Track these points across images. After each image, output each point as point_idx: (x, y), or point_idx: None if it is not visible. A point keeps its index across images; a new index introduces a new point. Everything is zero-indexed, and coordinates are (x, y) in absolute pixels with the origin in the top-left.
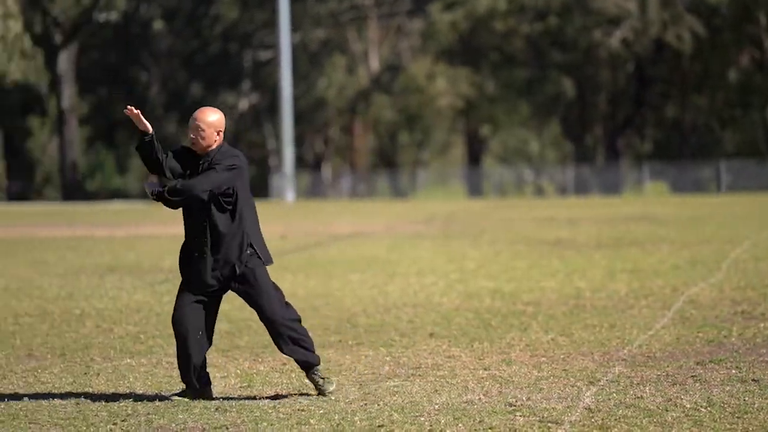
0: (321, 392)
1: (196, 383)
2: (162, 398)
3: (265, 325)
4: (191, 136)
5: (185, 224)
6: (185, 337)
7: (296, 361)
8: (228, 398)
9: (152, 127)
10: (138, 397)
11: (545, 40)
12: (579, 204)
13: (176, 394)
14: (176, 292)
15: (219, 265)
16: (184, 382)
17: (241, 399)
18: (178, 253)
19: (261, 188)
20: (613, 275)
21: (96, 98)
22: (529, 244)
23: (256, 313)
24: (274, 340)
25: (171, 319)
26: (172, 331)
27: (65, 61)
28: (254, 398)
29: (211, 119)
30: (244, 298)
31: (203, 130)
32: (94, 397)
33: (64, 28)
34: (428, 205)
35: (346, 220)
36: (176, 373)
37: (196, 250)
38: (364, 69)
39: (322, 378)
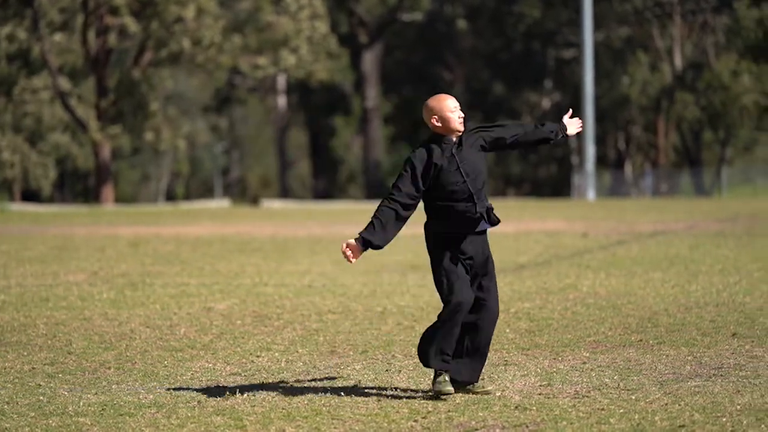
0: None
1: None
2: (464, 395)
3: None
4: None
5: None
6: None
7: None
8: (528, 396)
9: None
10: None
11: None
12: None
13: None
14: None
15: None
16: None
17: (540, 397)
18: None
19: (562, 186)
20: None
21: (399, 97)
22: None
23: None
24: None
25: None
26: None
27: (370, 60)
28: (554, 397)
29: None
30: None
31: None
32: (395, 394)
33: (370, 28)
34: (732, 203)
35: (648, 219)
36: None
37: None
38: (668, 66)
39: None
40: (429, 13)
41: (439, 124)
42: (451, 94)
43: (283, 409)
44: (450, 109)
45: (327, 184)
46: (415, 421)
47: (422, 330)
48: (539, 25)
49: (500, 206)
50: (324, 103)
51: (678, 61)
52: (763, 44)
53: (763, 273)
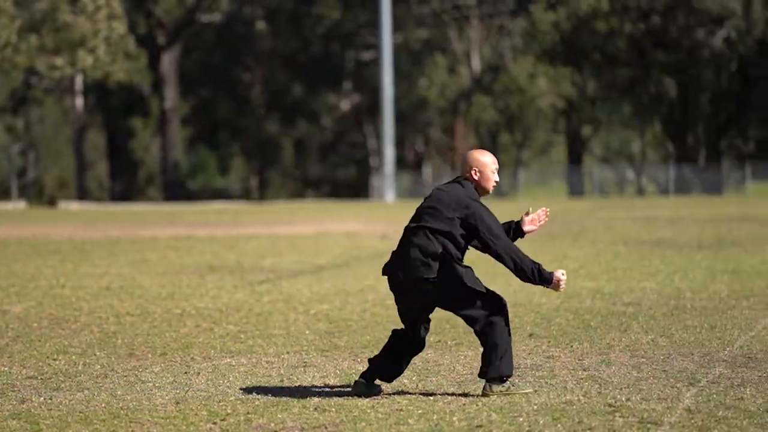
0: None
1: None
2: (262, 396)
3: None
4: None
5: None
6: None
7: None
8: (327, 398)
9: (255, 128)
10: (238, 397)
11: (648, 40)
12: (680, 204)
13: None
14: (275, 293)
15: None
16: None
17: (340, 398)
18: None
19: (361, 188)
20: (714, 276)
21: (198, 99)
22: (630, 244)
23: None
24: None
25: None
26: (271, 331)
27: (168, 61)
28: (353, 398)
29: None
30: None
31: None
32: (194, 396)
33: (168, 29)
34: (529, 204)
35: None
36: (275, 372)
37: None
38: (466, 69)
39: None
40: (227, 14)
41: (477, 178)
42: (250, 95)
43: (80, 412)
44: (492, 170)
45: (125, 185)
46: (214, 423)
47: (221, 332)
48: (338, 27)
49: (299, 208)
50: (122, 104)
51: (476, 64)
52: (559, 47)
53: None
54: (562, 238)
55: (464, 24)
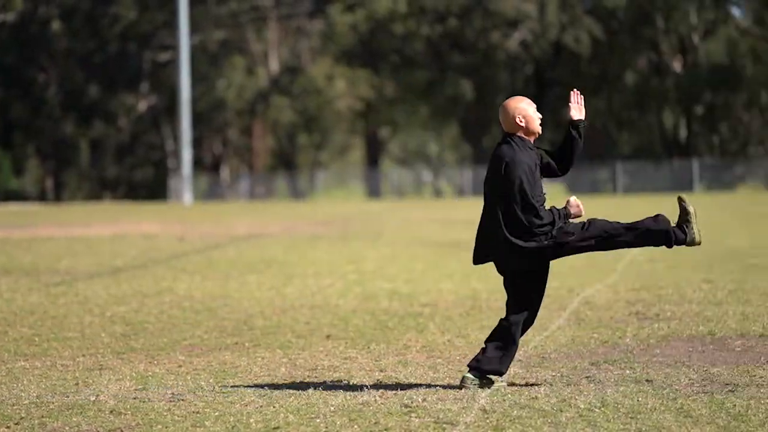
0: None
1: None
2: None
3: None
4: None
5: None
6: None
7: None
8: (123, 401)
9: (50, 128)
10: (32, 400)
11: (445, 42)
12: (477, 205)
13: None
14: (71, 295)
15: None
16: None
17: (136, 401)
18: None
19: (158, 190)
20: None
21: None
22: (427, 246)
23: None
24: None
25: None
26: (66, 334)
27: None
28: (149, 401)
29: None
30: None
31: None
32: None
33: None
34: (327, 206)
35: (244, 222)
36: (70, 375)
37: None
38: (264, 70)
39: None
40: (22, 13)
41: (522, 124)
42: (46, 96)
43: None
44: (533, 109)
45: None
46: (8, 427)
47: (15, 335)
48: (135, 27)
49: (96, 209)
50: None
51: (273, 65)
52: (357, 49)
53: (357, 275)
54: (359, 240)
55: (262, 25)
